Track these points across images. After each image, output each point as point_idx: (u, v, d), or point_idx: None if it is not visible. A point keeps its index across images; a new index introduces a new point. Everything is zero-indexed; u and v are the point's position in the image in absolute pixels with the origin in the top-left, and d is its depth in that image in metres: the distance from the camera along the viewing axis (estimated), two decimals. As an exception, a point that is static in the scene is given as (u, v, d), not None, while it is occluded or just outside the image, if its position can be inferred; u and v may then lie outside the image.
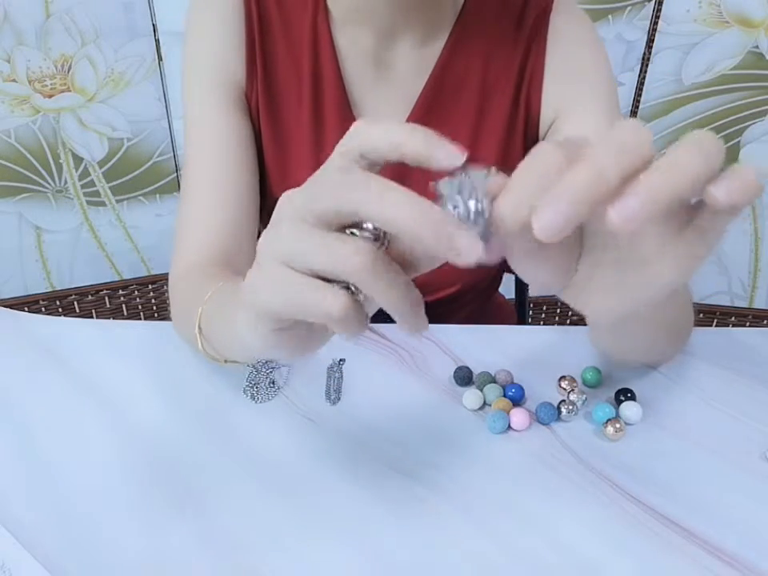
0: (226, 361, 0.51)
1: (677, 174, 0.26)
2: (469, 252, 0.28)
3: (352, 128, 0.31)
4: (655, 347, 0.58)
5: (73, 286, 1.54)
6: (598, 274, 0.33)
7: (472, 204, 0.28)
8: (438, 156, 0.29)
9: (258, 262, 0.33)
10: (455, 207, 0.28)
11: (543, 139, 0.67)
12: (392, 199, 0.28)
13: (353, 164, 0.31)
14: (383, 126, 0.30)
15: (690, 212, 0.30)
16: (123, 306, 1.60)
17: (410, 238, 0.28)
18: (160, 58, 1.33)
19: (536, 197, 0.26)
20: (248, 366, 0.59)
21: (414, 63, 0.64)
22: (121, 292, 1.58)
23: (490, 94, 0.65)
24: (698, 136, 0.27)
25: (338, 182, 0.30)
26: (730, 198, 0.27)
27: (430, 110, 0.65)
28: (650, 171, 0.26)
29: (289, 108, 0.66)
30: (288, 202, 0.32)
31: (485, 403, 0.56)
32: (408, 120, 0.65)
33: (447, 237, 0.28)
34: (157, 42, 1.31)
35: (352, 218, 0.30)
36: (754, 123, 1.35)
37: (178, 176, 1.47)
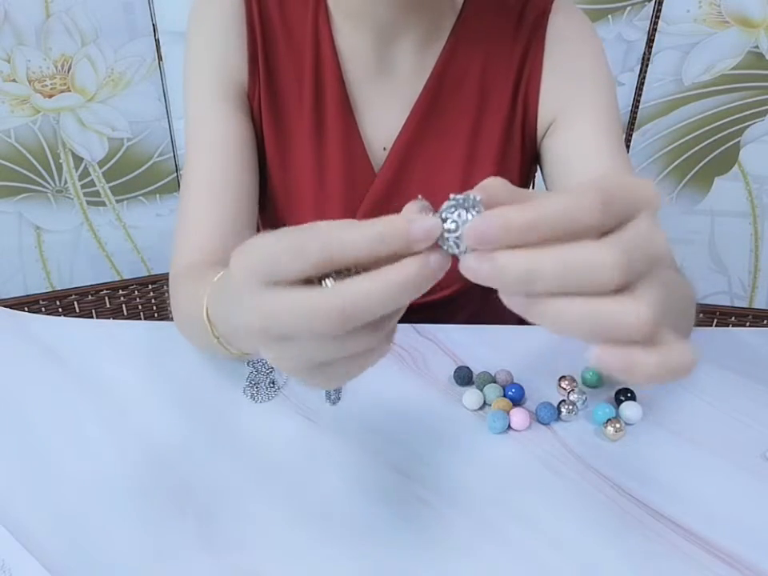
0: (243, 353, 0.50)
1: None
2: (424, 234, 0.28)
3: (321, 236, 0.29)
4: None
5: (73, 286, 1.54)
6: None
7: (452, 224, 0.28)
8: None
9: (258, 341, 0.32)
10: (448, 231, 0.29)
11: (541, 139, 0.67)
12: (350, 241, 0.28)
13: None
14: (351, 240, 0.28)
15: None
16: (123, 306, 1.60)
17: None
18: (160, 58, 1.33)
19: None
20: (248, 365, 0.59)
21: (414, 63, 0.64)
22: (121, 292, 1.58)
23: (489, 93, 0.65)
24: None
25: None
26: (597, 364, 0.28)
27: (429, 110, 0.65)
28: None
29: (290, 108, 0.66)
30: (244, 269, 0.31)
31: (485, 403, 0.56)
32: (408, 120, 0.65)
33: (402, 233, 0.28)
34: (157, 42, 1.31)
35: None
36: (753, 123, 1.35)
37: (178, 176, 1.46)
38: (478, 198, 0.28)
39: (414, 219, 0.28)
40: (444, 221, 0.28)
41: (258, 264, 0.30)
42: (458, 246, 0.28)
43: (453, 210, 0.28)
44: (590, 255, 0.27)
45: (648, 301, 0.27)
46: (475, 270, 0.28)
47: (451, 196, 0.29)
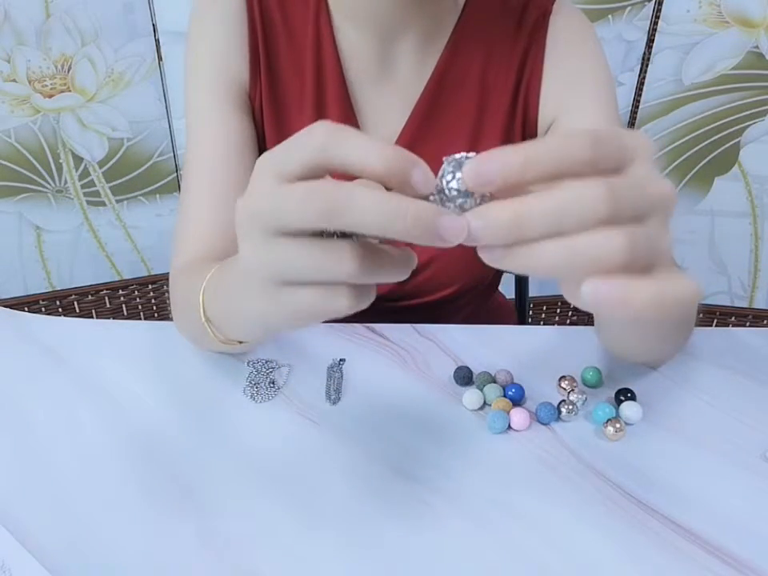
0: (240, 342, 0.51)
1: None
2: (454, 234, 0.28)
3: (337, 132, 0.30)
4: (658, 344, 0.58)
5: (73, 286, 1.54)
6: None
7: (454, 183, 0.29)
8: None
9: (242, 232, 0.34)
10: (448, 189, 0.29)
11: None
12: (366, 203, 0.28)
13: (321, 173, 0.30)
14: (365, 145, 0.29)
15: None
16: (123, 306, 1.60)
17: (396, 236, 0.28)
18: (160, 58, 1.33)
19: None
20: (248, 365, 0.59)
21: (416, 63, 0.64)
22: (121, 292, 1.58)
23: (489, 93, 0.65)
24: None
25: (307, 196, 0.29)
26: (593, 302, 0.28)
27: (430, 109, 0.65)
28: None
29: (292, 108, 0.66)
30: (265, 166, 0.32)
31: (485, 403, 0.56)
32: (408, 120, 0.65)
33: (429, 227, 0.28)
34: (157, 42, 1.31)
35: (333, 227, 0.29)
36: (753, 123, 1.35)
37: (178, 176, 1.46)
38: (472, 155, 0.29)
39: (442, 212, 0.29)
40: (447, 182, 0.29)
41: (263, 211, 0.31)
42: (461, 205, 0.29)
43: (451, 172, 0.29)
44: (578, 188, 0.27)
45: (630, 231, 0.27)
46: (469, 225, 0.28)
47: (445, 159, 0.29)
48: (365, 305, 0.33)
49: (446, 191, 0.29)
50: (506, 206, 0.28)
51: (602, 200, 0.27)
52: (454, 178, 0.29)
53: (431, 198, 0.29)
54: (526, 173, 0.27)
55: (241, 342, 0.51)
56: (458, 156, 0.29)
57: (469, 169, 0.28)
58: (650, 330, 0.53)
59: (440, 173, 0.29)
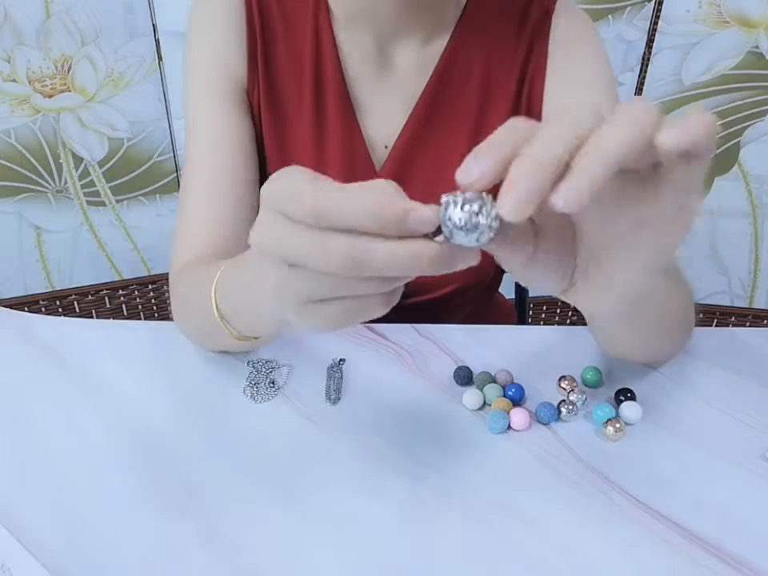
0: (255, 337, 0.51)
1: (606, 151, 0.27)
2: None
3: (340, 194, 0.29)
4: (655, 344, 0.58)
5: (73, 286, 1.54)
6: (592, 272, 0.33)
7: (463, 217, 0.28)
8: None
9: (262, 258, 0.33)
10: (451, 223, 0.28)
11: None
12: (384, 256, 0.29)
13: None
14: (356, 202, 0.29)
15: (657, 176, 0.30)
16: (123, 305, 1.60)
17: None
18: (160, 58, 1.33)
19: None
20: (248, 365, 0.59)
21: (416, 62, 0.64)
22: (121, 292, 1.58)
23: (491, 93, 0.65)
24: (629, 108, 0.28)
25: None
26: (678, 142, 0.27)
27: (431, 109, 0.65)
28: (580, 154, 0.27)
29: (290, 106, 0.66)
30: (264, 195, 0.32)
31: (485, 403, 0.56)
32: (409, 118, 0.65)
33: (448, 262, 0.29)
34: (157, 42, 1.31)
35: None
36: (753, 123, 1.35)
37: (178, 176, 1.46)
38: (468, 194, 0.28)
39: (413, 208, 0.29)
40: (456, 223, 0.28)
41: (279, 197, 0.31)
42: (479, 239, 0.28)
43: (454, 205, 0.28)
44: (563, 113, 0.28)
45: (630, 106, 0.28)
46: (512, 199, 0.26)
47: (443, 199, 0.28)
48: (395, 302, 0.33)
49: (452, 228, 0.28)
50: (517, 162, 0.27)
51: (590, 113, 0.28)
52: (461, 211, 0.28)
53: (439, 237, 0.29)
54: (544, 170, 0.27)
55: (256, 338, 0.51)
56: (459, 194, 0.28)
57: (502, 207, 0.27)
58: (651, 327, 0.53)
59: (443, 211, 0.29)
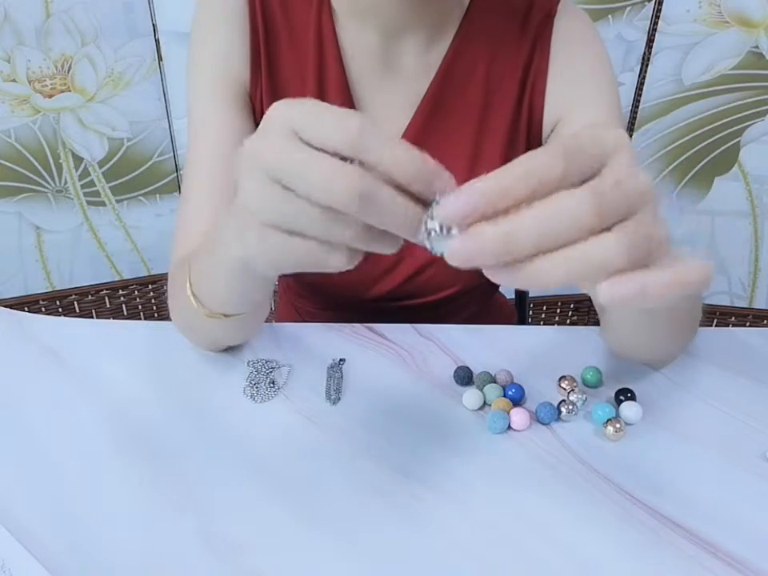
0: (225, 315, 0.52)
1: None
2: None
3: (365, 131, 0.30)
4: (663, 343, 0.58)
5: (73, 286, 1.54)
6: None
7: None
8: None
9: (247, 170, 0.34)
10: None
11: (546, 140, 0.67)
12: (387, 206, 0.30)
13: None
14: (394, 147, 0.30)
15: None
16: (123, 305, 1.60)
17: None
18: (160, 58, 1.33)
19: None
20: (248, 365, 0.59)
21: (419, 63, 0.64)
22: (121, 292, 1.58)
23: (493, 94, 0.65)
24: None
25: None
26: (612, 301, 0.29)
27: (434, 110, 0.65)
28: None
29: None
30: (281, 114, 0.32)
31: (485, 403, 0.56)
32: (412, 119, 0.65)
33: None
34: (157, 42, 1.31)
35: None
36: (753, 123, 1.35)
37: (178, 176, 1.46)
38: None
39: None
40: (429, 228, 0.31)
41: (274, 163, 0.32)
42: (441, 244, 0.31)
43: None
44: (562, 201, 0.28)
45: (622, 230, 0.29)
46: (460, 249, 0.30)
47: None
48: (351, 266, 0.34)
49: (429, 232, 0.31)
50: (494, 225, 0.29)
51: (587, 206, 0.28)
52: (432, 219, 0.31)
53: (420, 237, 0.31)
54: (498, 203, 0.29)
55: (226, 315, 0.52)
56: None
57: (443, 207, 0.30)
58: (662, 325, 0.53)
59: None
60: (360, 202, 0.30)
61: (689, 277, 0.29)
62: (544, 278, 0.29)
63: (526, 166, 0.29)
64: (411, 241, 0.32)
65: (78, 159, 1.39)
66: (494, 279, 0.30)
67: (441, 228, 0.30)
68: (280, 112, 0.32)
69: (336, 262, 0.33)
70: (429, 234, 0.31)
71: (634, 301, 0.29)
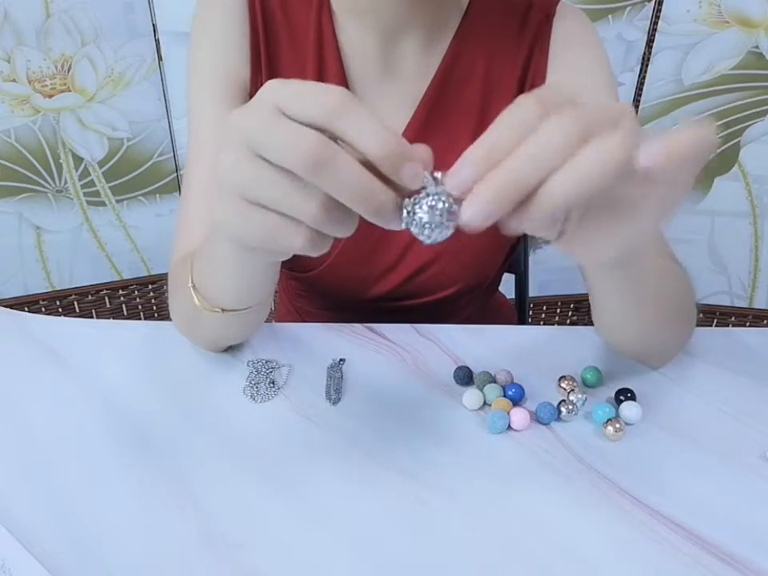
0: (223, 310, 0.52)
1: (577, 185, 0.30)
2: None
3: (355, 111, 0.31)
4: (655, 333, 0.57)
5: (73, 286, 1.54)
6: (585, 223, 0.35)
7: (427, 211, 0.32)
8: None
9: (225, 140, 0.34)
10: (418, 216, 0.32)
11: None
12: (346, 174, 0.31)
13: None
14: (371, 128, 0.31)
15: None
16: (123, 305, 1.60)
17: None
18: (160, 58, 1.33)
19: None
20: (248, 365, 0.59)
21: (419, 63, 0.64)
22: (121, 292, 1.58)
23: (492, 94, 0.65)
24: (610, 139, 0.30)
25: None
26: (655, 163, 0.31)
27: (433, 110, 0.65)
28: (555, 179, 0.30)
29: None
30: (268, 89, 0.33)
31: (485, 403, 0.56)
32: (411, 120, 0.65)
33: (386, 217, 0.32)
34: (157, 42, 1.31)
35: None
36: (753, 123, 1.35)
37: (178, 176, 1.47)
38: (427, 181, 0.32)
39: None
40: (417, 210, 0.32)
41: (252, 131, 0.32)
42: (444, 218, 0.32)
43: (417, 201, 0.32)
44: (549, 123, 0.30)
45: (614, 129, 0.30)
46: (476, 209, 0.30)
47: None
48: (315, 253, 0.35)
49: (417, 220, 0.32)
50: (494, 173, 0.30)
51: (574, 119, 0.30)
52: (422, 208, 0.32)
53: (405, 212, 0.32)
54: (495, 158, 0.30)
55: (225, 310, 0.52)
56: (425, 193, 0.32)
57: (449, 185, 0.31)
58: (649, 307, 0.52)
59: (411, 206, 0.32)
60: (314, 165, 0.30)
61: (689, 139, 0.31)
62: (559, 196, 0.30)
63: (503, 117, 0.31)
64: (386, 227, 0.33)
65: (78, 159, 1.39)
66: (519, 229, 0.31)
67: (440, 211, 0.31)
68: (268, 87, 0.33)
69: (297, 242, 0.34)
70: (421, 222, 0.31)
71: (662, 161, 0.30)
